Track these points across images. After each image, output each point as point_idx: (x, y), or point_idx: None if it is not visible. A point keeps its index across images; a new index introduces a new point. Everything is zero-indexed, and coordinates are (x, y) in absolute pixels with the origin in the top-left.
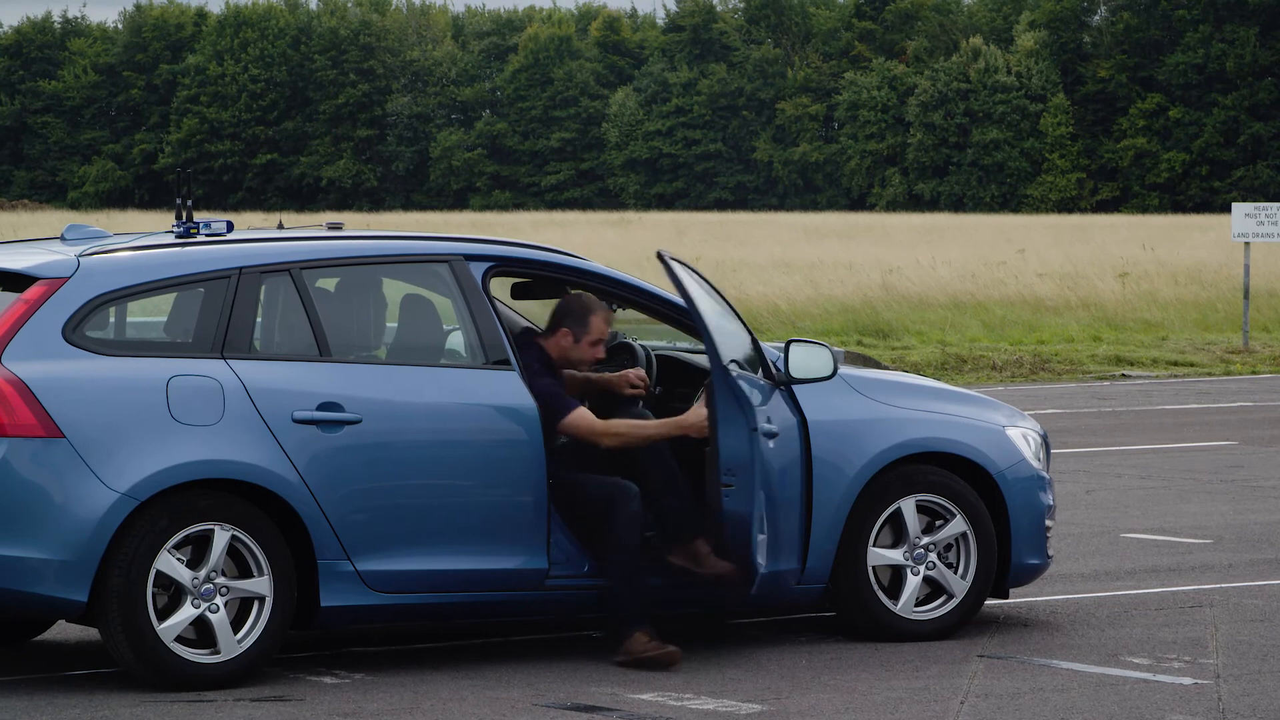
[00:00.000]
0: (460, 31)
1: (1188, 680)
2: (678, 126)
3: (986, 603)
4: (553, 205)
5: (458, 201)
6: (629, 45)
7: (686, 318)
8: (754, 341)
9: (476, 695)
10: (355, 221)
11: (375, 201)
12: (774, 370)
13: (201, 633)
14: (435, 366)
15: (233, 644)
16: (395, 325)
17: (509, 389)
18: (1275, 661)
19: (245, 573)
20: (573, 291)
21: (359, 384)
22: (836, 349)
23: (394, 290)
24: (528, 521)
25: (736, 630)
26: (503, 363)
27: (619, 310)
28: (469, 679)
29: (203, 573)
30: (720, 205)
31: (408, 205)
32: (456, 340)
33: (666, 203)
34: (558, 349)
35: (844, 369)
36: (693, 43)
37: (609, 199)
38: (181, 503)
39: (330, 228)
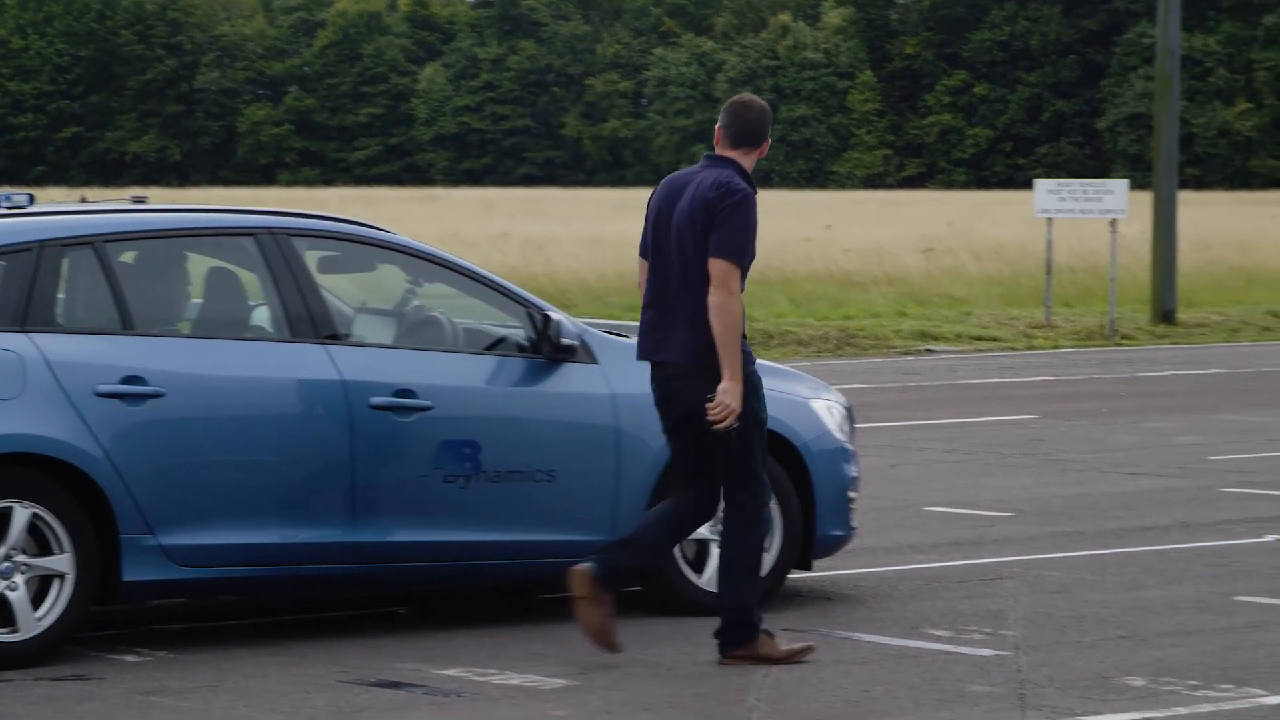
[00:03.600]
0: (268, 6)
1: (988, 652)
2: (487, 102)
3: (791, 575)
4: (361, 181)
5: (265, 177)
6: (438, 21)
7: (499, 292)
8: (530, 316)
9: (280, 672)
10: (162, 197)
11: (182, 177)
12: (546, 343)
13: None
14: (241, 340)
15: (32, 622)
16: (200, 299)
17: (314, 363)
18: (1073, 633)
19: (45, 549)
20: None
21: (163, 358)
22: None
23: (199, 263)
24: (335, 495)
25: (542, 605)
26: (308, 336)
27: (426, 285)
28: (273, 656)
29: (1, 551)
30: (529, 181)
31: (214, 181)
32: (263, 314)
33: (475, 178)
34: (752, 164)
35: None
36: (502, 19)
37: (418, 175)
38: None
39: (134, 202)
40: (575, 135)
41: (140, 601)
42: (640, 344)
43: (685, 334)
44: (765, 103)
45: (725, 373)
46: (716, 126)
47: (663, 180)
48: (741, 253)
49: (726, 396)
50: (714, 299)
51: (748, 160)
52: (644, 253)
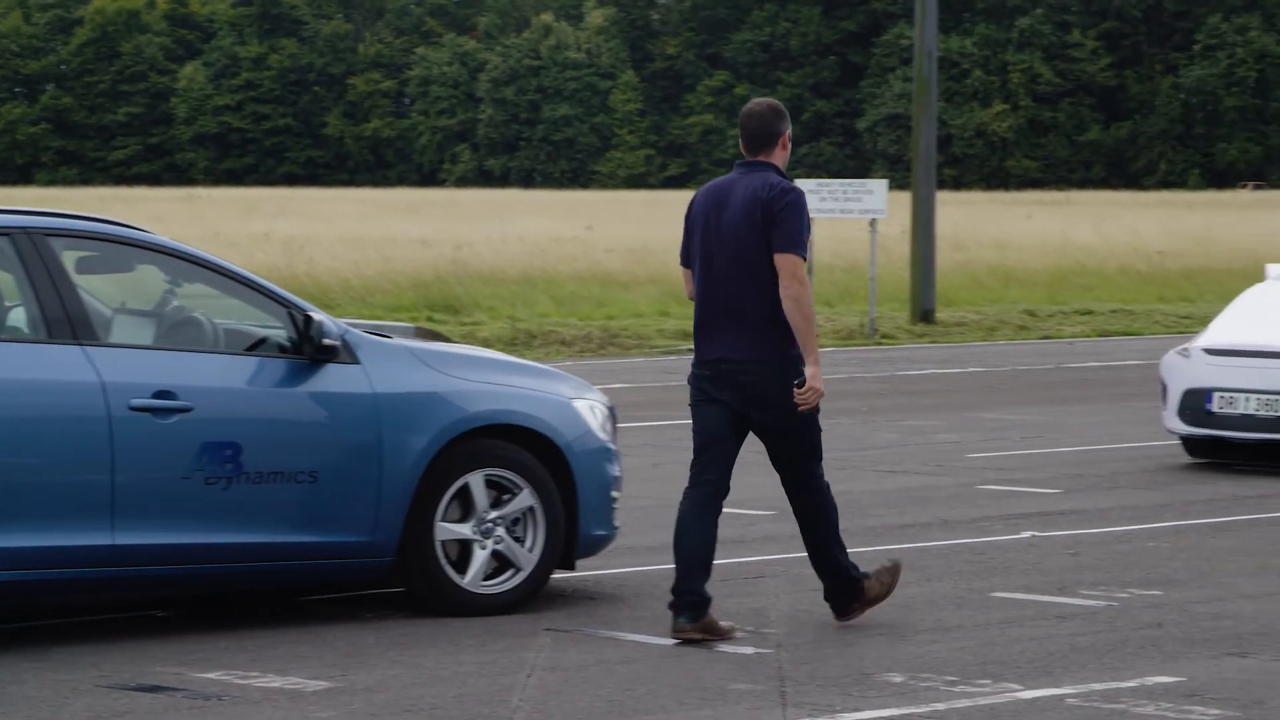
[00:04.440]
0: (24, 3)
1: (749, 650)
2: (248, 101)
3: (554, 575)
4: (120, 180)
5: (22, 176)
6: (197, 19)
7: (259, 292)
8: (292, 316)
9: (39, 678)
10: None
11: None
12: (307, 344)
13: None
14: None
15: None
16: None
17: (72, 364)
18: (833, 630)
19: None
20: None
21: None
22: (344, 321)
23: None
24: (94, 498)
25: (304, 607)
26: (66, 338)
27: (185, 285)
28: (31, 661)
29: None
30: (290, 180)
31: None
32: (19, 315)
33: (236, 178)
34: (784, 159)
35: (412, 343)
36: (262, 17)
37: (178, 174)
38: None
39: None
40: (337, 135)
41: None
42: (700, 344)
43: (750, 331)
44: (769, 102)
45: (808, 359)
46: (740, 142)
47: (700, 190)
48: (804, 245)
49: (814, 381)
50: (790, 291)
51: (778, 159)
52: (686, 262)
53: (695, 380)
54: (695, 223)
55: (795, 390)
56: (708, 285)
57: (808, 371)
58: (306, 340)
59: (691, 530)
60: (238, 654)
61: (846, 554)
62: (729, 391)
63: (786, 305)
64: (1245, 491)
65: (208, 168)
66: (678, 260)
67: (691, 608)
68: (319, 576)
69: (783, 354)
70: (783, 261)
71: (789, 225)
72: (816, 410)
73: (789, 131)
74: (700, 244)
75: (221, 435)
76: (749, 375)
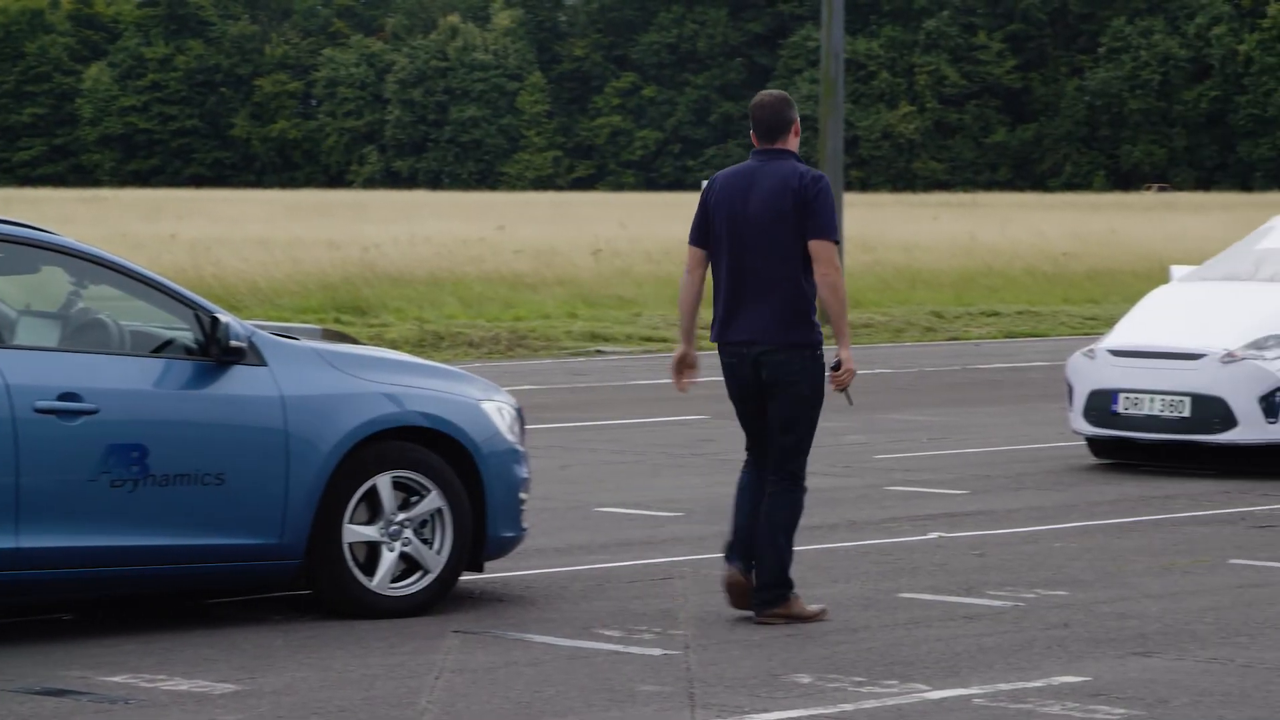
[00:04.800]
0: None
1: (657, 651)
2: (154, 102)
3: (462, 577)
4: (25, 182)
5: None
6: (103, 19)
7: (165, 294)
8: (198, 318)
9: None
10: None
11: None
12: (214, 346)
13: None
14: None
15: None
16: None
17: None
18: (741, 631)
19: None
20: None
21: None
22: (247, 322)
23: None
24: None
25: (211, 610)
26: None
27: (92, 287)
28: None
29: None
30: (197, 182)
31: None
32: None
33: (143, 179)
34: (796, 145)
35: (319, 344)
36: (169, 18)
37: (84, 175)
38: None
39: None
40: (244, 136)
41: None
42: (724, 326)
43: (777, 313)
44: (778, 92)
45: (842, 343)
46: (751, 132)
47: (719, 175)
48: (837, 230)
49: (849, 364)
50: (828, 279)
51: (793, 145)
52: (697, 241)
53: (731, 370)
54: (718, 208)
55: (831, 374)
56: (736, 270)
57: (842, 355)
58: (213, 342)
59: (745, 510)
60: (144, 657)
61: (792, 559)
62: (753, 373)
63: (823, 291)
64: (1150, 492)
65: (114, 169)
66: (585, 261)
67: (745, 559)
68: (226, 579)
69: (807, 338)
70: (818, 248)
71: (823, 213)
72: (818, 410)
73: (798, 119)
74: (726, 229)
75: (127, 437)
76: (775, 356)
